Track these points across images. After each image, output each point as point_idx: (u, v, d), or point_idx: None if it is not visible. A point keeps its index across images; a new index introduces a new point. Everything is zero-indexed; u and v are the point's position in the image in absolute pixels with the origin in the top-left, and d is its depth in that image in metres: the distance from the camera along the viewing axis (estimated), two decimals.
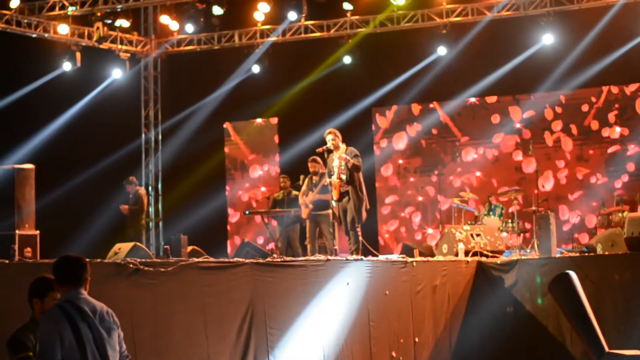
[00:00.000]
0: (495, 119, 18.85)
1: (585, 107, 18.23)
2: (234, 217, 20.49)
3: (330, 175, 12.41)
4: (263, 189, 20.20)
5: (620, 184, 17.61)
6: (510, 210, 15.59)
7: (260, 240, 18.74)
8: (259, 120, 20.52)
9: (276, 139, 20.39)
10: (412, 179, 19.36)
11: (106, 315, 5.52)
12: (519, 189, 16.23)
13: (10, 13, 17.53)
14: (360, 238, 12.40)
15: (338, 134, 12.49)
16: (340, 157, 12.18)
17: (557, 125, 18.41)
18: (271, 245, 16.02)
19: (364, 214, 12.40)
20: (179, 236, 12.83)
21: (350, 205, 12.20)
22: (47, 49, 18.57)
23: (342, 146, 12.37)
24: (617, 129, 17.95)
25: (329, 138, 12.39)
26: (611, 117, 18.03)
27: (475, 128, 18.98)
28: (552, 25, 17.24)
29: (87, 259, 5.82)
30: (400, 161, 19.47)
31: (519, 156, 18.52)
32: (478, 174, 18.80)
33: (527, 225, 16.15)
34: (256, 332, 9.33)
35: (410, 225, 19.25)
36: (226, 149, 20.77)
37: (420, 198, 19.24)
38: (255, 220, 19.22)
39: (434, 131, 19.27)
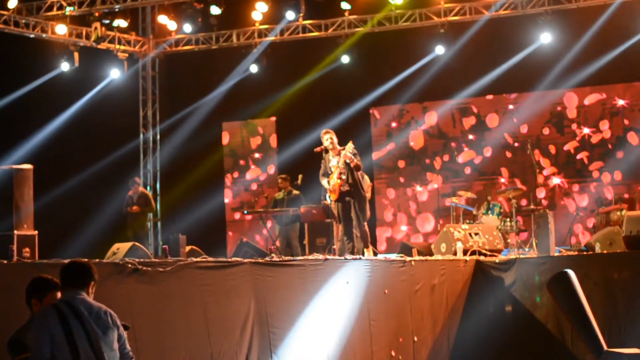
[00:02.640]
0: (494, 117, 18.86)
1: (583, 106, 18.24)
2: (232, 216, 20.48)
3: (327, 175, 12.39)
4: (262, 188, 20.20)
5: (619, 183, 17.62)
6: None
7: (259, 240, 18.74)
8: (257, 120, 20.52)
9: (274, 138, 20.39)
10: (410, 178, 19.36)
11: (103, 315, 5.55)
12: (518, 187, 16.23)
13: (8, 13, 17.52)
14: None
15: (334, 134, 12.48)
16: (345, 155, 12.15)
17: (555, 124, 18.41)
18: (270, 245, 16.05)
19: (368, 212, 12.40)
20: (177, 236, 12.83)
21: (355, 204, 12.18)
22: (45, 49, 18.57)
23: (349, 145, 12.30)
24: (617, 128, 17.98)
25: (326, 138, 12.37)
26: (610, 115, 18.05)
27: (474, 127, 18.99)
28: (550, 24, 17.25)
29: (86, 260, 5.85)
30: (398, 160, 19.47)
31: (517, 155, 18.53)
32: (477, 172, 18.84)
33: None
34: (259, 331, 9.33)
35: (409, 224, 19.24)
36: (224, 149, 20.76)
37: (418, 197, 19.24)
38: (254, 219, 19.22)
39: (432, 130, 19.28)
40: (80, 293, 5.55)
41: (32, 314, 5.83)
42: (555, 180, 18.28)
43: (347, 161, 12.10)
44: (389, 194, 19.50)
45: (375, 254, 13.33)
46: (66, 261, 5.80)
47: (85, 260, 5.77)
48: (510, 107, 18.77)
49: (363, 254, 12.01)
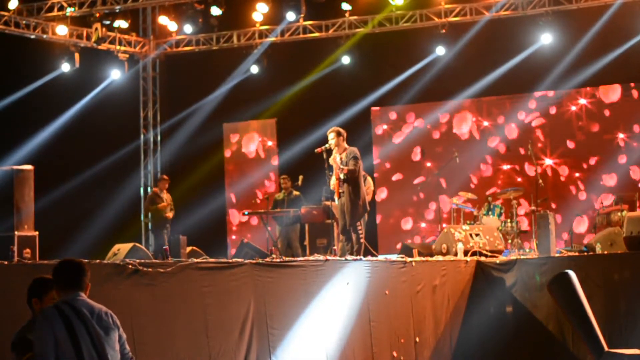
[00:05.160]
0: (494, 118, 18.87)
1: (583, 107, 18.24)
2: (233, 217, 20.48)
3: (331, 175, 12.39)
4: (262, 189, 20.20)
5: (619, 183, 17.61)
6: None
7: (260, 241, 18.72)
8: (257, 120, 20.51)
9: (275, 139, 20.39)
10: (410, 179, 19.35)
11: (104, 316, 5.55)
12: (518, 188, 16.23)
13: (8, 14, 17.53)
14: (363, 240, 12.34)
15: (341, 132, 12.41)
16: (334, 160, 12.14)
17: (556, 125, 18.42)
18: (271, 246, 16.04)
19: (359, 215, 12.29)
20: (178, 237, 12.81)
21: (346, 207, 12.16)
22: (46, 50, 18.57)
23: (347, 149, 12.26)
24: (616, 128, 17.99)
25: (331, 137, 12.34)
26: (610, 116, 18.05)
27: (474, 127, 18.99)
28: (550, 25, 17.26)
29: (87, 260, 5.83)
30: (399, 161, 19.47)
31: (518, 155, 18.54)
32: (477, 172, 18.84)
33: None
34: (258, 332, 9.32)
35: (410, 225, 19.24)
36: (225, 150, 20.76)
37: (419, 198, 19.23)
38: (255, 220, 19.21)
39: (432, 131, 19.28)
40: (80, 294, 5.55)
41: (33, 313, 5.83)
42: (555, 180, 18.28)
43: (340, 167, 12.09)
44: (389, 194, 19.49)
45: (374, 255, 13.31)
46: (58, 261, 5.72)
47: (77, 259, 5.73)
48: (511, 108, 18.76)
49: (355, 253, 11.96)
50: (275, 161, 20.31)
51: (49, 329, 5.33)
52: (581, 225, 17.60)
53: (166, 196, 17.33)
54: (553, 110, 18.44)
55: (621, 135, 17.94)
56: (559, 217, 17.10)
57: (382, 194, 19.43)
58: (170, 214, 17.22)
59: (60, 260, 5.70)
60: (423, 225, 19.12)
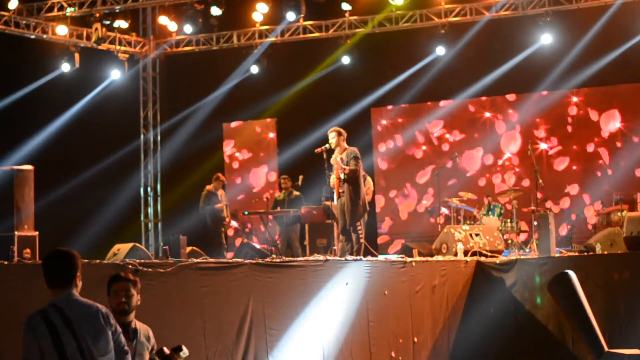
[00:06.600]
0: (494, 118, 18.87)
1: (583, 107, 18.25)
2: (233, 217, 20.46)
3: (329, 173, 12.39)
4: (262, 189, 20.19)
5: (620, 183, 17.61)
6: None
7: (260, 241, 18.73)
8: (257, 120, 20.52)
9: (275, 139, 20.39)
10: (411, 179, 19.35)
11: (95, 316, 5.27)
12: (518, 188, 16.23)
13: (8, 14, 17.53)
14: (362, 240, 12.33)
15: (342, 132, 12.41)
16: (335, 160, 12.15)
17: (556, 125, 18.42)
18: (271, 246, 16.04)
19: (360, 215, 12.28)
20: (178, 237, 12.82)
21: (346, 207, 12.15)
22: (46, 50, 18.57)
23: (347, 149, 12.26)
24: (617, 128, 17.99)
25: (331, 136, 12.35)
26: (610, 116, 18.05)
27: (474, 128, 18.99)
28: (550, 25, 17.26)
29: (84, 259, 5.60)
30: (399, 161, 19.47)
31: (518, 155, 18.54)
32: (477, 172, 18.84)
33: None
34: (255, 332, 9.31)
35: (409, 225, 19.23)
36: (225, 150, 20.76)
37: (418, 198, 19.23)
38: (255, 220, 19.22)
39: (433, 131, 19.28)
40: (71, 293, 5.26)
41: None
42: (555, 180, 18.28)
43: (341, 168, 12.08)
44: (389, 195, 19.49)
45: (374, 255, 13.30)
46: (47, 253, 5.35)
47: (67, 250, 5.34)
48: (511, 108, 18.77)
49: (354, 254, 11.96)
50: (275, 161, 20.30)
51: (32, 338, 5.12)
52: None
53: (221, 192, 17.09)
54: (553, 111, 18.43)
55: (618, 127, 17.94)
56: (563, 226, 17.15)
57: (382, 194, 19.42)
58: (228, 218, 16.99)
59: (49, 253, 5.34)
60: (423, 225, 19.10)
